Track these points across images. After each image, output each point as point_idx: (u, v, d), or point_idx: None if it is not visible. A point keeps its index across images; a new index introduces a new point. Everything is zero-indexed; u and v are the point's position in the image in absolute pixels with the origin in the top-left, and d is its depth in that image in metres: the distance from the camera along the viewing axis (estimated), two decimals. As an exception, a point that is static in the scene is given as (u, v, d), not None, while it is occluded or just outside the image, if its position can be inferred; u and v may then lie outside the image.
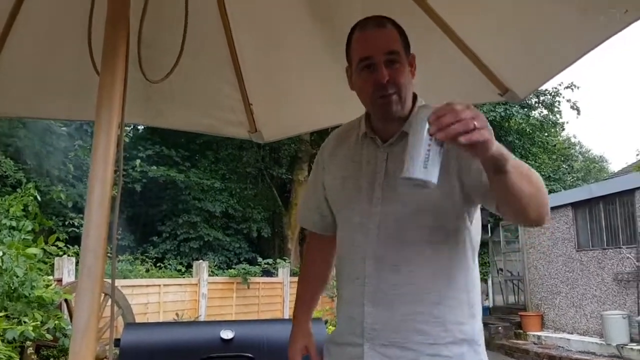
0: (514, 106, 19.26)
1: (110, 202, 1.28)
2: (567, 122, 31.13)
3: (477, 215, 1.50)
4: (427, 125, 1.08)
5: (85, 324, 1.19)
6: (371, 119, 1.51)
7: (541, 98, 20.98)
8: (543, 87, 16.70)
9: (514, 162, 1.15)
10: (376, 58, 1.38)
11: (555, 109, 21.71)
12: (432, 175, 1.08)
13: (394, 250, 1.40)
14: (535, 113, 21.47)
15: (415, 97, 1.50)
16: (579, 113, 21.75)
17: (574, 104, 21.22)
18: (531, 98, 20.27)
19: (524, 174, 1.19)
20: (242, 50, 2.24)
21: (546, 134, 22.45)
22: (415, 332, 1.37)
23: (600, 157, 35.26)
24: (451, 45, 1.84)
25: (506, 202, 1.24)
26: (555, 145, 24.22)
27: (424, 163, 1.08)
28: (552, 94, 21.04)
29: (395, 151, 1.43)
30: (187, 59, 1.84)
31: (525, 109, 20.20)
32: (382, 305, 1.40)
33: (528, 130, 20.44)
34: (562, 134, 26.29)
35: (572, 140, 30.92)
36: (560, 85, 20.90)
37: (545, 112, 21.75)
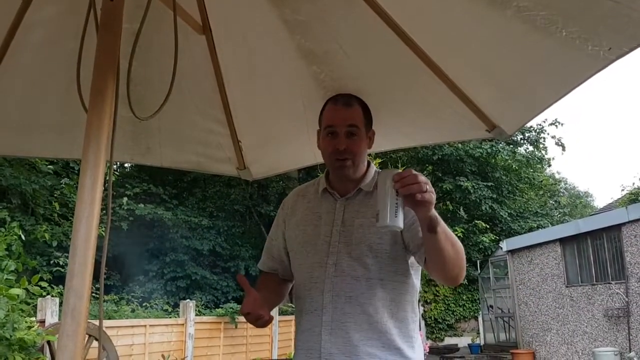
0: (500, 143, 19.51)
1: (95, 242, 1.25)
2: (553, 159, 31.54)
3: (417, 266, 1.75)
4: (392, 184, 1.41)
5: (67, 369, 1.15)
6: (330, 177, 1.82)
7: (526, 135, 21.31)
8: (528, 124, 17.01)
9: (444, 226, 1.50)
10: (339, 128, 1.71)
11: (541, 145, 22.02)
12: (400, 221, 1.43)
13: (348, 284, 1.65)
14: (521, 149, 21.77)
15: (369, 163, 1.83)
16: (564, 149, 22.04)
17: (558, 140, 21.57)
18: (516, 135, 20.59)
19: (449, 238, 1.52)
20: (231, 88, 2.25)
21: (532, 170, 22.71)
22: (366, 355, 1.59)
23: (585, 192, 35.70)
24: (438, 82, 1.86)
25: (433, 258, 1.56)
26: (541, 181, 24.46)
27: (394, 213, 1.42)
28: (537, 130, 21.39)
29: (351, 204, 1.74)
30: (175, 97, 1.84)
31: (511, 146, 20.47)
32: (338, 333, 1.62)
33: (514, 166, 20.67)
34: (547, 170, 26.60)
35: (557, 176, 31.30)
36: (544, 122, 21.29)
37: (530, 148, 22.05)
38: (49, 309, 6.95)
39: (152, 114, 1.75)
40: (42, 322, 6.67)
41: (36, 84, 2.08)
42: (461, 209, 19.48)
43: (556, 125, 21.72)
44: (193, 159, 2.64)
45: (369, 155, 1.96)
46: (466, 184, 19.05)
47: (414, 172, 1.40)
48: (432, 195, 1.39)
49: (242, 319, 10.54)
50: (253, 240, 17.01)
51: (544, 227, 18.28)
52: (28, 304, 6.26)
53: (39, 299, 6.90)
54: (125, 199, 12.99)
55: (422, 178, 1.38)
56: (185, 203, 16.15)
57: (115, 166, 13.79)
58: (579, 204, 30.39)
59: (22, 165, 10.86)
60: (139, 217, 13.97)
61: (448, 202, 20.19)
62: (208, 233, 15.68)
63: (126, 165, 15.92)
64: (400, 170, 1.42)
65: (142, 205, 14.01)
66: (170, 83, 1.77)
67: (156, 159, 2.64)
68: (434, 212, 1.44)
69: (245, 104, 2.33)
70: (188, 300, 10.06)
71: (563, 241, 11.49)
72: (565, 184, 32.89)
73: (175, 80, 1.78)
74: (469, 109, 1.91)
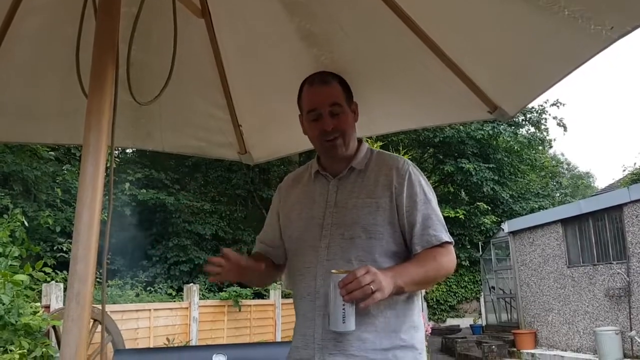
0: (502, 124, 19.45)
1: (98, 227, 1.26)
2: (555, 140, 31.45)
3: None
4: (338, 292, 1.43)
5: (73, 352, 1.16)
6: (321, 159, 1.81)
7: (528, 116, 21.22)
8: (529, 105, 16.91)
9: (409, 279, 1.54)
10: (322, 110, 1.69)
11: (542, 127, 21.94)
12: (350, 325, 1.47)
13: (340, 267, 1.59)
14: (522, 131, 21.69)
15: (360, 140, 1.81)
16: (565, 130, 21.96)
17: (560, 120, 21.49)
18: (518, 116, 20.50)
19: (422, 282, 1.60)
20: (231, 72, 2.24)
21: (534, 152, 22.65)
22: (358, 340, 1.57)
23: (587, 173, 35.66)
24: (440, 64, 1.85)
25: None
26: (543, 163, 24.43)
27: (342, 319, 1.45)
28: (539, 111, 21.29)
29: (344, 184, 1.73)
30: (176, 81, 1.83)
31: (513, 127, 20.39)
32: None
33: (516, 147, 20.62)
34: (549, 152, 26.53)
35: (559, 157, 31.23)
36: (546, 102, 21.18)
37: (532, 129, 21.97)
38: (53, 295, 7.00)
39: (153, 99, 1.74)
40: (47, 307, 6.73)
41: (35, 69, 2.07)
42: (462, 191, 19.50)
43: (558, 106, 21.65)
44: (194, 143, 2.64)
45: (370, 138, 1.96)
46: (468, 166, 19.04)
47: (357, 273, 1.41)
48: (376, 296, 1.41)
49: (245, 302, 10.64)
50: (255, 225, 17.04)
51: (546, 208, 18.29)
52: (32, 289, 6.30)
53: (44, 284, 6.95)
54: (127, 184, 13.01)
55: (365, 279, 1.40)
56: (187, 188, 16.18)
57: (116, 152, 13.79)
58: (580, 184, 30.38)
59: (23, 151, 10.86)
60: (141, 203, 14.00)
61: (449, 185, 20.20)
62: (210, 217, 15.72)
63: (127, 151, 15.94)
64: (343, 275, 1.43)
65: (144, 190, 14.03)
66: (170, 67, 1.76)
67: (157, 144, 2.64)
68: (394, 286, 1.48)
69: (245, 88, 2.32)
70: (192, 284, 10.12)
71: (565, 222, 11.50)
72: (567, 164, 32.84)
73: (175, 64, 1.78)
74: (470, 90, 1.90)
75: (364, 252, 1.62)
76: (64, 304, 7.02)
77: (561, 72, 1.73)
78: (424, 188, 1.69)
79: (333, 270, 1.49)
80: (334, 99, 1.70)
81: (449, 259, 1.64)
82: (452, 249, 1.67)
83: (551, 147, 24.58)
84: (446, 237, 1.65)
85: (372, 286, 1.39)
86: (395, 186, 1.66)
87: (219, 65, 2.19)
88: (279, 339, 10.87)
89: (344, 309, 1.44)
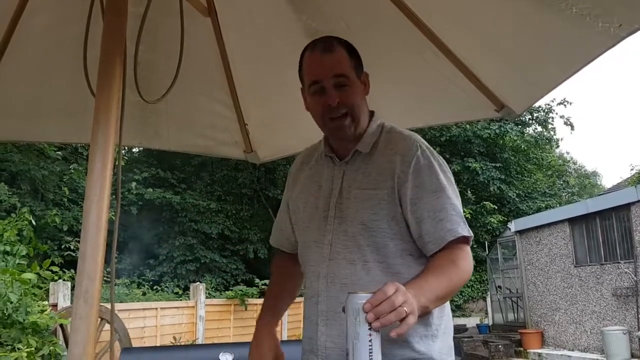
0: (508, 123, 19.38)
1: (106, 225, 1.26)
2: (562, 139, 31.32)
3: None
4: (363, 317, 1.07)
5: (81, 351, 1.17)
6: (329, 139, 1.57)
7: (535, 115, 21.14)
8: (536, 104, 16.84)
9: (436, 298, 1.27)
10: (325, 82, 1.43)
11: (549, 126, 21.85)
12: None
13: (343, 269, 1.41)
14: (529, 130, 21.62)
15: (372, 114, 1.55)
16: (572, 129, 21.86)
17: (567, 119, 21.38)
18: (525, 115, 20.42)
19: (447, 295, 1.33)
20: (237, 71, 2.24)
21: (541, 151, 22.56)
22: None
23: (594, 172, 35.45)
24: (447, 62, 1.85)
25: None
26: (550, 162, 24.33)
27: (369, 355, 1.08)
28: (545, 110, 21.21)
29: (350, 169, 1.49)
30: (182, 80, 1.84)
31: (520, 126, 20.33)
32: (333, 325, 1.40)
33: (523, 147, 20.56)
34: (556, 151, 26.43)
35: (566, 156, 31.10)
36: (552, 101, 21.09)
37: (539, 128, 21.89)
38: (60, 293, 7.03)
39: (160, 97, 1.75)
40: (55, 305, 6.76)
41: (43, 69, 2.08)
42: (469, 191, 19.44)
43: (565, 105, 21.57)
44: (200, 142, 2.65)
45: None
46: (474, 165, 18.99)
47: (388, 291, 1.10)
48: (412, 317, 1.11)
49: (252, 301, 10.66)
50: (261, 224, 17.08)
51: (552, 208, 18.22)
52: (40, 288, 6.34)
53: (51, 283, 6.98)
54: (134, 183, 13.06)
55: (398, 299, 1.09)
56: (193, 187, 16.22)
57: (123, 151, 13.84)
58: (587, 183, 30.22)
59: (30, 151, 10.92)
60: (148, 202, 14.06)
61: (455, 184, 20.12)
62: (216, 216, 15.76)
63: (134, 150, 15.99)
64: (369, 295, 1.10)
65: (150, 189, 14.08)
66: (177, 66, 1.77)
67: (164, 143, 2.65)
68: (421, 310, 1.18)
69: (251, 87, 2.32)
70: (198, 282, 10.15)
71: (572, 221, 11.45)
72: (574, 163, 32.70)
73: (181, 63, 1.78)
74: (477, 88, 1.90)
75: (371, 253, 1.40)
76: (71, 303, 7.05)
77: (569, 70, 1.72)
78: (437, 174, 1.42)
79: (350, 292, 1.14)
80: (339, 69, 1.43)
81: (467, 262, 1.37)
82: (468, 247, 1.41)
83: (558, 146, 24.46)
84: (464, 230, 1.38)
85: (405, 308, 1.10)
86: (399, 175, 1.41)
87: (225, 63, 2.20)
88: (284, 338, 10.88)
89: (370, 341, 1.07)
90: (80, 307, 1.19)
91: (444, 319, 1.45)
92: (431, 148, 1.49)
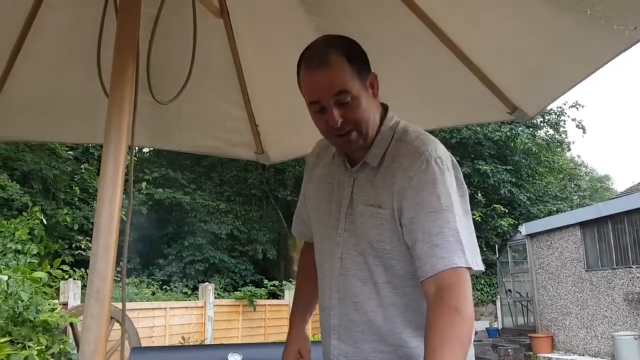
0: (520, 126, 19.29)
1: (118, 224, 1.26)
2: (573, 142, 31.13)
3: None
4: None
5: (92, 349, 1.17)
6: None
7: (546, 117, 21.04)
8: (548, 107, 16.73)
9: None
10: (325, 102, 1.28)
11: (561, 128, 21.73)
12: None
13: (354, 287, 1.36)
14: (541, 132, 21.50)
15: (385, 110, 1.41)
16: (584, 132, 21.75)
17: (579, 122, 21.24)
18: (536, 118, 20.31)
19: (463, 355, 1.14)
20: (249, 72, 2.24)
21: (552, 154, 22.44)
22: None
23: (606, 176, 35.20)
24: (459, 64, 1.84)
25: None
26: (561, 165, 24.19)
27: None
28: (557, 113, 21.09)
29: (360, 177, 1.39)
30: (194, 81, 1.84)
31: (531, 129, 20.23)
32: (346, 341, 1.38)
33: (534, 149, 20.45)
34: (567, 154, 26.26)
35: (577, 160, 30.88)
36: (564, 104, 20.98)
37: (551, 131, 21.77)
38: (71, 292, 7.08)
39: (172, 98, 1.76)
40: (65, 304, 6.81)
41: (56, 69, 2.10)
42: (479, 193, 19.36)
43: (577, 108, 21.41)
44: (212, 143, 2.65)
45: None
46: (485, 167, 18.91)
47: None
48: None
49: (260, 302, 10.68)
50: (270, 225, 17.10)
51: (564, 211, 18.09)
52: (51, 287, 6.38)
53: (62, 281, 7.03)
54: (145, 183, 13.12)
55: None
56: (203, 187, 16.28)
57: (134, 151, 13.90)
58: (599, 187, 29.99)
59: (42, 150, 11.01)
60: (158, 202, 14.12)
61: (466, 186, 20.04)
62: (226, 217, 15.80)
63: (145, 150, 16.07)
64: None
65: (160, 189, 14.15)
66: (189, 67, 1.77)
67: (175, 143, 2.66)
68: None
69: (262, 88, 2.32)
70: (207, 283, 10.18)
71: (583, 225, 11.37)
72: (586, 167, 32.47)
73: (194, 64, 1.79)
74: (489, 90, 1.88)
75: (379, 273, 1.33)
76: (81, 302, 7.10)
77: (583, 72, 1.71)
78: (438, 193, 1.25)
79: None
80: (338, 85, 1.27)
81: (464, 295, 1.18)
82: (466, 273, 1.21)
83: (569, 149, 24.31)
84: (461, 260, 1.20)
85: None
86: (398, 191, 1.29)
87: (237, 64, 2.20)
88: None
89: None
90: (92, 306, 1.19)
91: None
92: (446, 158, 1.32)
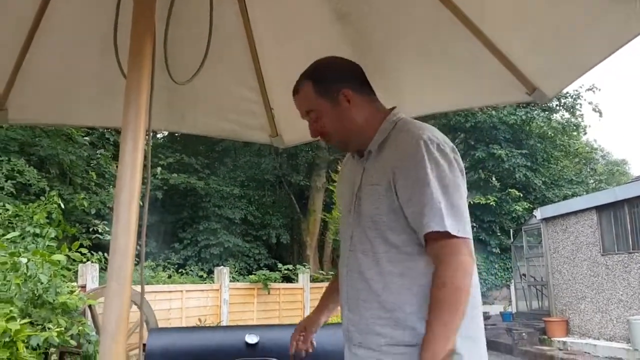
0: (535, 109, 19.07)
1: (138, 204, 1.28)
2: (590, 126, 30.73)
3: None
4: None
5: (114, 326, 1.19)
6: None
7: (562, 101, 20.77)
8: (564, 90, 16.45)
9: (451, 333, 1.34)
10: (305, 118, 1.64)
11: (577, 112, 21.44)
12: None
13: (358, 259, 1.55)
14: (556, 116, 21.24)
15: (391, 110, 1.61)
16: (601, 115, 21.44)
17: (595, 106, 20.95)
18: (552, 101, 20.05)
19: (456, 321, 1.36)
20: (264, 55, 2.24)
21: (568, 138, 22.18)
22: (376, 334, 1.48)
23: (622, 160, 34.74)
24: (478, 45, 1.81)
25: None
26: (577, 149, 23.91)
27: None
28: (574, 96, 20.80)
29: (367, 166, 1.59)
30: (209, 64, 1.84)
31: (547, 112, 19.99)
32: (353, 311, 1.56)
33: (550, 133, 20.22)
34: (583, 138, 25.94)
35: (593, 143, 30.49)
36: (581, 87, 20.69)
37: (566, 115, 21.50)
38: (89, 275, 7.18)
39: (190, 78, 1.76)
40: (83, 287, 6.90)
41: (73, 52, 2.11)
42: (493, 178, 19.23)
43: (593, 91, 21.14)
44: (227, 126, 2.65)
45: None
46: (500, 151, 18.76)
47: None
48: None
49: (274, 285, 10.76)
50: (284, 210, 17.16)
51: (579, 195, 17.93)
52: (69, 270, 6.47)
53: (80, 264, 7.12)
54: (159, 168, 13.21)
55: None
56: (217, 172, 16.35)
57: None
58: (615, 171, 29.63)
59: (58, 136, 11.10)
60: (172, 187, 14.22)
61: (480, 171, 19.94)
62: (239, 202, 15.88)
63: (159, 135, 16.17)
64: None
65: (175, 174, 14.24)
66: (205, 49, 1.77)
67: (191, 126, 2.67)
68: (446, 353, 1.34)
69: (277, 70, 2.32)
70: (222, 266, 10.27)
71: (599, 209, 11.26)
72: (602, 151, 32.06)
73: (210, 46, 1.79)
74: (508, 71, 1.86)
75: (378, 245, 1.50)
76: (99, 284, 7.20)
77: (603, 52, 1.67)
78: (427, 166, 1.42)
79: None
80: (305, 106, 1.62)
81: (455, 268, 1.37)
82: (458, 242, 1.39)
83: (585, 133, 24.01)
84: (438, 225, 1.38)
85: None
86: (392, 168, 1.48)
87: (252, 47, 2.20)
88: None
89: None
90: (114, 284, 1.21)
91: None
92: (441, 143, 1.47)
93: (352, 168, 1.69)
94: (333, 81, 1.60)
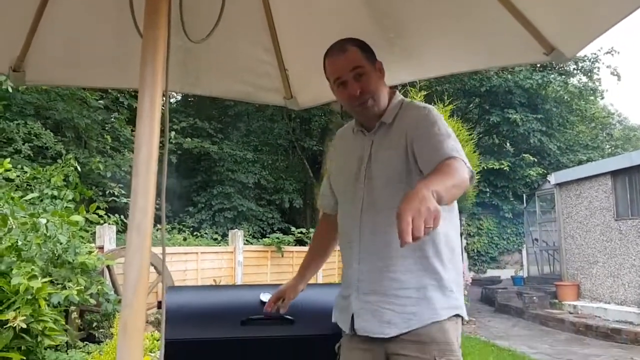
0: (552, 73, 18.73)
1: (157, 160, 1.30)
2: (607, 90, 30.09)
3: None
4: None
5: (135, 279, 1.23)
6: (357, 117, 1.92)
7: (580, 64, 20.34)
8: (581, 53, 16.04)
9: (444, 188, 1.41)
10: (345, 76, 1.76)
11: (595, 76, 21.02)
12: None
13: (372, 216, 1.75)
14: (573, 80, 20.85)
15: (393, 92, 1.88)
16: (619, 79, 21.10)
17: (614, 69, 20.53)
18: (569, 64, 19.66)
19: (452, 186, 1.48)
20: (278, 15, 2.21)
21: (584, 102, 21.81)
22: (389, 280, 1.70)
23: (640, 125, 34.15)
24: (496, 3, 1.78)
25: None
26: (593, 114, 23.55)
27: None
28: (591, 59, 20.35)
29: (376, 138, 1.82)
30: (224, 24, 1.83)
31: (563, 76, 19.64)
32: (365, 262, 1.75)
33: (566, 97, 19.90)
34: (599, 102, 25.50)
35: (610, 108, 29.97)
36: (599, 50, 20.22)
37: (584, 79, 21.09)
38: (107, 236, 7.32)
39: (205, 37, 1.76)
40: (101, 248, 7.05)
41: (88, 12, 2.10)
42: (507, 143, 19.07)
43: (612, 54, 20.63)
44: (241, 88, 2.65)
45: (413, 87, 1.97)
46: (514, 116, 18.53)
47: (404, 212, 1.28)
48: (437, 214, 1.29)
49: (287, 248, 10.90)
50: (297, 174, 17.22)
51: (594, 161, 17.75)
52: (87, 231, 6.60)
53: (97, 226, 7.26)
54: (173, 132, 13.24)
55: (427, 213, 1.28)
56: (230, 137, 16.38)
57: (162, 100, 13.97)
58: (632, 136, 29.19)
59: (73, 99, 11.14)
60: (186, 151, 14.29)
61: (494, 136, 19.76)
62: (253, 166, 15.95)
63: (172, 100, 16.14)
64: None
65: (189, 139, 14.28)
66: (220, 8, 1.76)
67: (205, 88, 2.67)
68: (438, 199, 1.35)
69: (292, 31, 2.29)
70: (236, 230, 10.39)
71: (614, 174, 11.16)
72: (619, 116, 31.53)
73: (224, 5, 1.77)
74: (525, 29, 1.81)
75: (393, 201, 1.54)
76: (117, 245, 7.34)
77: (624, 10, 1.62)
78: (439, 126, 1.69)
79: None
80: (354, 63, 1.75)
81: (459, 165, 1.55)
82: (460, 161, 1.58)
83: (603, 97, 23.59)
84: (454, 152, 1.60)
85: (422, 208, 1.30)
86: (407, 132, 1.73)
87: (267, 7, 2.17)
88: (320, 282, 11.11)
89: None
90: (134, 240, 1.24)
91: (454, 257, 1.77)
92: (441, 116, 1.77)
93: (351, 145, 1.90)
94: (373, 53, 1.82)
